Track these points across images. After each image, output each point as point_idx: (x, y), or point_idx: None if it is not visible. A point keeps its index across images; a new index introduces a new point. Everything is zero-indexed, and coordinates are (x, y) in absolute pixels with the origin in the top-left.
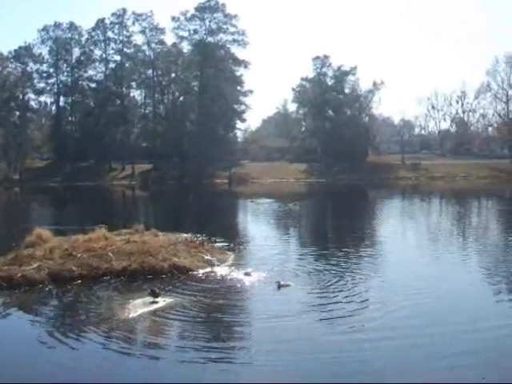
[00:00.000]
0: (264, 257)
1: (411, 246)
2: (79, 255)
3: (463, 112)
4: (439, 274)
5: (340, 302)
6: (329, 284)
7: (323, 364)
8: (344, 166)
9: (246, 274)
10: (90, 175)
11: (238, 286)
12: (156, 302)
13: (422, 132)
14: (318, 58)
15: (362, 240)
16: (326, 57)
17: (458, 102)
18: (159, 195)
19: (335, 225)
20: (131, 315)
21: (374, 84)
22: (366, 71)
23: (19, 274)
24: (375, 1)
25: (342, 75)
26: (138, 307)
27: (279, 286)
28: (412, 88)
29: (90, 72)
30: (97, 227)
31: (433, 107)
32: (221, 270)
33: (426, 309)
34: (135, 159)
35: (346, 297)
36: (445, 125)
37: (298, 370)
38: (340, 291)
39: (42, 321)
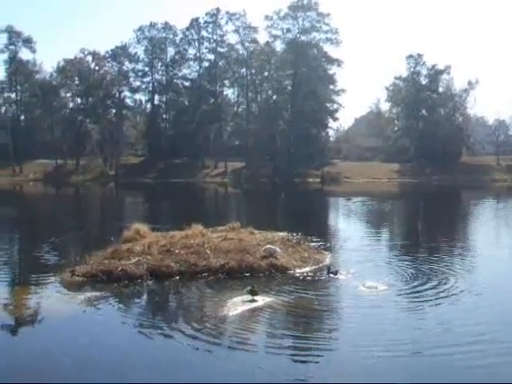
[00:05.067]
0: (361, 257)
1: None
2: (177, 251)
3: None
4: None
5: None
6: (428, 292)
7: None
8: (437, 167)
9: (344, 275)
10: (183, 172)
11: (336, 287)
12: (255, 301)
13: None
14: (411, 56)
15: (461, 244)
16: (419, 55)
17: None
18: (252, 193)
19: (430, 227)
20: (231, 313)
21: (469, 83)
22: (460, 70)
23: (119, 269)
24: None
25: (436, 74)
26: (238, 305)
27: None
28: (507, 87)
29: (184, 71)
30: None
31: None
32: (319, 270)
33: None
34: (228, 157)
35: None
36: None
37: None
38: (442, 306)
39: (140, 315)
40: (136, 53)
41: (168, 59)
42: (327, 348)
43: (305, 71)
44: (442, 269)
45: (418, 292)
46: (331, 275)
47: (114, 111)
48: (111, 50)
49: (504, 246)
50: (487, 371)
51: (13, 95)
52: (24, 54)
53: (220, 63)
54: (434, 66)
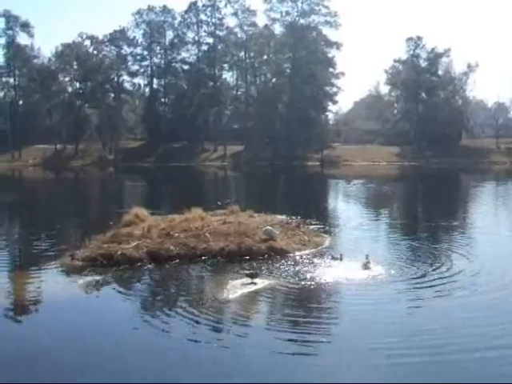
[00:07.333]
0: (360, 240)
1: None
2: (177, 235)
3: None
4: None
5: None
6: (434, 278)
7: None
8: (437, 150)
9: (343, 258)
10: (183, 156)
11: (336, 271)
12: (254, 284)
13: None
14: (411, 39)
15: (459, 226)
16: (419, 38)
17: None
18: (251, 177)
19: (430, 209)
20: (230, 296)
21: (469, 66)
22: (460, 53)
23: (119, 252)
24: None
25: (435, 57)
26: (237, 288)
27: (365, 266)
28: (507, 70)
29: (183, 54)
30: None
31: None
32: (318, 253)
33: None
34: (227, 140)
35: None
36: None
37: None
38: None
39: (140, 299)
40: (134, 37)
41: (167, 43)
42: (326, 337)
43: (304, 54)
44: (444, 249)
45: (422, 278)
46: (335, 260)
47: (112, 95)
48: (109, 34)
49: (504, 227)
50: None
51: (11, 80)
52: (22, 39)
53: (219, 47)
54: (433, 49)
